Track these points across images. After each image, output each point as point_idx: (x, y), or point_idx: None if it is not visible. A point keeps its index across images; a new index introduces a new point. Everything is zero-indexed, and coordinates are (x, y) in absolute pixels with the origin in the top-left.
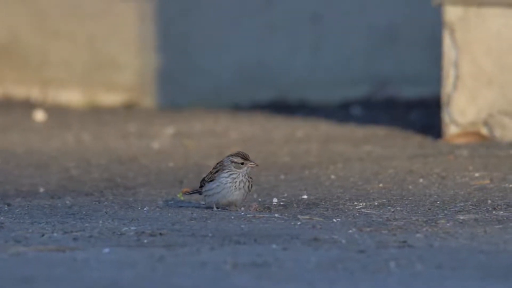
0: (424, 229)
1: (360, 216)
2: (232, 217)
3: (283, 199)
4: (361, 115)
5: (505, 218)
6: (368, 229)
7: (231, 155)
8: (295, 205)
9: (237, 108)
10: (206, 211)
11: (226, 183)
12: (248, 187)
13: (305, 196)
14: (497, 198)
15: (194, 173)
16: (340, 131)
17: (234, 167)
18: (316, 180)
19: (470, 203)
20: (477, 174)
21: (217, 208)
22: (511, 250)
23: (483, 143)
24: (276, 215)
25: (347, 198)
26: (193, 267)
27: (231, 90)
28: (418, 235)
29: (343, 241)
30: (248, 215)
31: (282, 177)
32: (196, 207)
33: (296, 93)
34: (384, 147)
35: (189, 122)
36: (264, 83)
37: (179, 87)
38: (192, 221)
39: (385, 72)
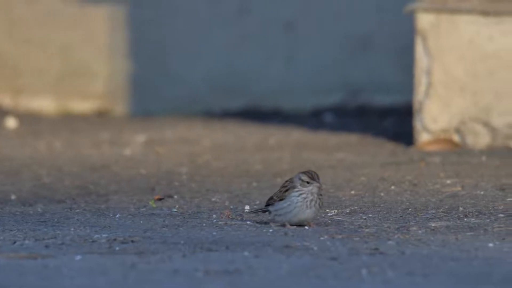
0: (396, 236)
1: (332, 223)
2: (204, 225)
3: (255, 206)
4: (334, 123)
5: (476, 225)
6: (340, 236)
7: (301, 172)
8: (267, 212)
9: (210, 115)
10: (177, 218)
11: (297, 202)
12: (319, 204)
13: None
14: (468, 205)
15: (166, 181)
16: (312, 139)
17: (300, 185)
18: None
19: (441, 210)
20: (448, 181)
21: (291, 225)
22: (483, 257)
23: (455, 151)
24: (248, 222)
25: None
26: (165, 275)
27: (204, 97)
28: (390, 242)
29: (315, 248)
30: (220, 222)
31: (254, 184)
32: (168, 214)
33: (269, 100)
34: (356, 155)
35: (161, 129)
36: (237, 90)
37: (152, 95)
38: (164, 228)
39: (358, 79)
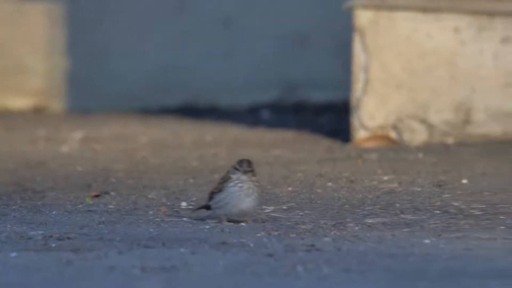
0: (332, 232)
1: (268, 220)
2: (141, 221)
3: (192, 203)
4: (271, 119)
5: (413, 222)
6: (276, 233)
7: (236, 161)
8: (203, 209)
9: (147, 112)
10: (114, 215)
11: (234, 192)
12: (258, 193)
13: None
14: (405, 202)
15: (102, 177)
16: (249, 135)
17: (231, 173)
18: None
19: (378, 206)
20: (385, 178)
21: (228, 221)
22: (419, 254)
23: (392, 147)
24: (185, 219)
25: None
26: (101, 271)
27: (141, 94)
28: (326, 238)
29: (251, 244)
30: (156, 219)
31: (191, 181)
32: (105, 211)
33: (206, 97)
34: (293, 151)
35: (98, 126)
36: (175, 87)
37: (89, 92)
38: (101, 225)
39: (295, 76)
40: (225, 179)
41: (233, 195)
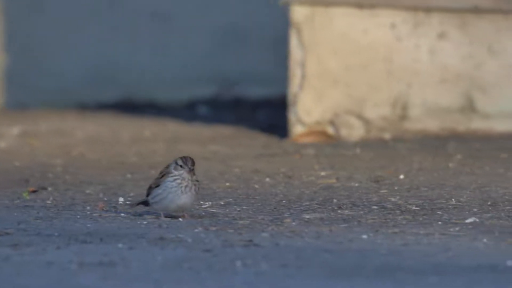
0: (270, 228)
1: (206, 215)
2: (78, 217)
3: (130, 199)
4: (208, 115)
5: (350, 217)
6: (214, 228)
7: (179, 157)
8: (141, 204)
9: (84, 108)
10: (52, 210)
11: (171, 188)
12: (195, 190)
13: None
14: (342, 197)
15: (40, 173)
16: (187, 131)
17: (174, 169)
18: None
19: (316, 202)
20: (323, 173)
21: (166, 217)
22: (356, 249)
23: (329, 143)
24: (122, 214)
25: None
26: (39, 267)
27: (77, 90)
28: (264, 234)
29: (189, 240)
30: (94, 214)
31: (129, 176)
32: (42, 206)
33: (143, 93)
34: (230, 147)
35: (35, 121)
36: (111, 83)
37: (25, 87)
38: (38, 220)
39: (231, 72)
40: (163, 174)
41: (170, 190)
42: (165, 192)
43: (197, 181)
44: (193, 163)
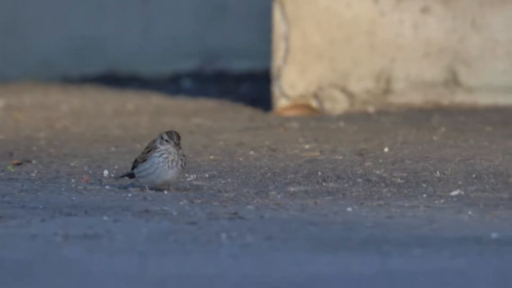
0: (255, 200)
1: (191, 188)
2: (63, 189)
3: (114, 171)
4: (192, 88)
5: (335, 190)
6: (199, 201)
7: (164, 132)
8: (126, 177)
9: (68, 81)
10: (36, 183)
11: (158, 163)
12: (181, 165)
13: None
14: (327, 170)
15: (24, 146)
16: (170, 104)
17: (160, 143)
18: None
19: (300, 175)
20: (307, 146)
21: (150, 189)
22: (341, 222)
23: (313, 116)
24: (107, 187)
25: None
26: (23, 239)
27: (61, 63)
28: (249, 206)
29: (174, 213)
30: (79, 187)
31: (113, 149)
32: (27, 179)
33: (127, 66)
34: (214, 120)
35: (18, 95)
36: (95, 56)
37: (8, 61)
38: (23, 193)
39: (215, 45)
40: (150, 149)
41: (157, 165)
42: (152, 167)
43: (184, 155)
44: (178, 137)
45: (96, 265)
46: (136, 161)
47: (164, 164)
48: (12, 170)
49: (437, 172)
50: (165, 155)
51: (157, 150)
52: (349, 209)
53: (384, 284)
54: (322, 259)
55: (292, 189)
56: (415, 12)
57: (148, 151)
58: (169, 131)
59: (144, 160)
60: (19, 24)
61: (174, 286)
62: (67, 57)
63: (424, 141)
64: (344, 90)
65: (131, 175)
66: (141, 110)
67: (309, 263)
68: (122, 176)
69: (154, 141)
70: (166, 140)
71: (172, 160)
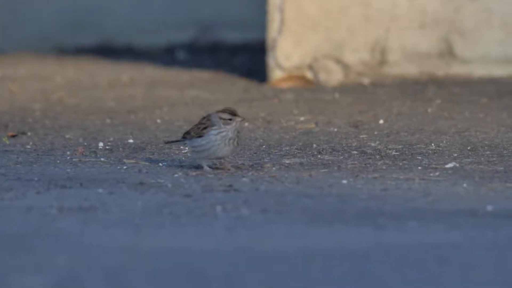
0: (250, 173)
1: (186, 160)
2: (58, 161)
3: (109, 143)
4: (186, 60)
5: (330, 162)
6: (194, 173)
7: (219, 111)
8: (121, 149)
9: (62, 52)
10: (31, 155)
11: (215, 141)
12: (237, 142)
13: (131, 140)
14: (322, 142)
15: (19, 117)
16: (165, 76)
17: (223, 124)
18: (141, 124)
19: (295, 147)
20: (302, 118)
21: (208, 166)
22: (336, 194)
23: (308, 87)
24: (102, 159)
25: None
26: (19, 212)
27: (55, 34)
28: (244, 179)
29: (169, 185)
30: (74, 159)
31: (108, 121)
32: (22, 151)
33: (121, 37)
34: (209, 91)
35: (14, 66)
36: (89, 27)
37: (3, 33)
38: (18, 165)
39: (210, 16)
40: (206, 126)
41: (213, 143)
42: (208, 144)
43: (239, 132)
44: (236, 112)
45: (91, 238)
46: (188, 133)
47: (221, 142)
48: (7, 142)
49: (432, 144)
50: (223, 133)
51: (215, 128)
52: (344, 181)
53: (379, 257)
54: (317, 232)
55: (287, 161)
56: None
57: (204, 128)
58: (225, 109)
59: (200, 136)
60: None
61: (169, 259)
62: (62, 29)
63: (419, 113)
64: (339, 61)
65: (180, 142)
66: (135, 82)
67: (304, 236)
68: (171, 142)
69: (209, 118)
70: (230, 119)
71: (230, 138)
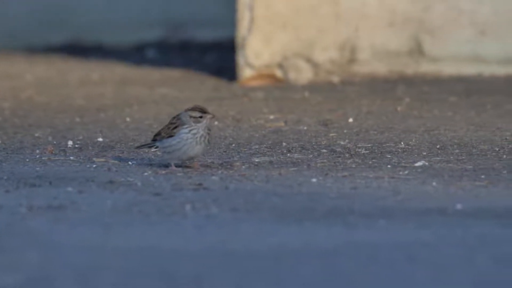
0: (220, 171)
1: (155, 159)
2: (27, 160)
3: (79, 142)
4: (156, 58)
5: (300, 161)
6: (163, 172)
7: (189, 109)
8: (90, 147)
9: (32, 50)
10: (0, 153)
11: (187, 139)
12: (208, 140)
13: (100, 139)
14: (291, 141)
15: None
16: (135, 74)
17: (193, 122)
18: (111, 122)
19: (265, 145)
20: (272, 117)
21: (175, 165)
22: (306, 193)
23: (278, 86)
24: (72, 157)
25: (143, 140)
26: None
27: (25, 32)
28: (213, 177)
29: (139, 183)
30: (43, 158)
31: (78, 119)
32: None
33: (91, 35)
34: (179, 90)
35: None
36: (59, 25)
37: None
38: None
39: (180, 14)
40: (176, 125)
41: (185, 141)
42: (179, 143)
43: (209, 130)
44: (206, 110)
45: (60, 236)
46: (159, 134)
47: (193, 140)
48: None
49: (402, 143)
50: (194, 131)
51: (186, 126)
52: (314, 180)
53: (349, 256)
54: (287, 230)
55: (256, 160)
56: None
57: (175, 127)
58: (195, 107)
59: (171, 136)
60: None
61: (139, 257)
62: (32, 26)
63: (388, 112)
64: (308, 59)
65: (151, 147)
66: (105, 80)
67: (274, 234)
68: (141, 147)
69: (178, 117)
70: (200, 117)
71: (201, 136)
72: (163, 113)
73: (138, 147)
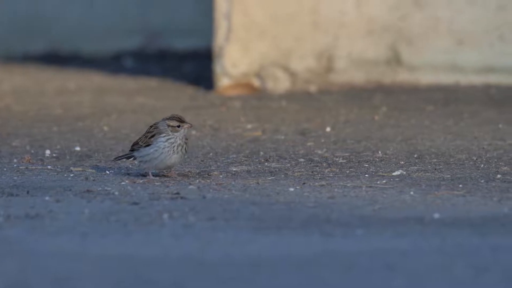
0: (197, 181)
1: (133, 168)
2: (5, 169)
3: (56, 151)
4: (134, 67)
5: (277, 170)
6: (141, 181)
7: (166, 119)
8: (68, 157)
9: (9, 59)
10: None
11: (164, 148)
12: (185, 149)
13: (78, 148)
14: (269, 150)
15: None
16: (113, 83)
17: (171, 131)
18: (89, 132)
19: (242, 154)
20: (249, 126)
21: (153, 175)
22: (283, 202)
23: (255, 95)
24: (49, 167)
25: (120, 150)
26: None
27: (3, 41)
28: (191, 187)
29: (116, 193)
30: (20, 167)
31: (55, 129)
32: None
33: (68, 44)
34: (156, 99)
35: None
36: (37, 34)
37: None
38: None
39: (157, 23)
40: (154, 133)
41: (162, 150)
42: (157, 152)
43: (187, 139)
44: (183, 119)
45: (38, 245)
46: (137, 143)
47: (170, 149)
48: None
49: (379, 152)
50: (171, 140)
51: (163, 135)
52: (291, 189)
53: (326, 265)
54: (264, 239)
55: (234, 169)
56: None
57: (152, 136)
58: (172, 117)
59: (148, 145)
60: None
61: (116, 266)
62: (9, 35)
63: (366, 121)
64: (286, 69)
65: (129, 158)
66: (83, 89)
67: (251, 243)
68: (119, 158)
69: (156, 126)
70: (178, 126)
71: (178, 145)
72: (140, 122)
73: (116, 159)
